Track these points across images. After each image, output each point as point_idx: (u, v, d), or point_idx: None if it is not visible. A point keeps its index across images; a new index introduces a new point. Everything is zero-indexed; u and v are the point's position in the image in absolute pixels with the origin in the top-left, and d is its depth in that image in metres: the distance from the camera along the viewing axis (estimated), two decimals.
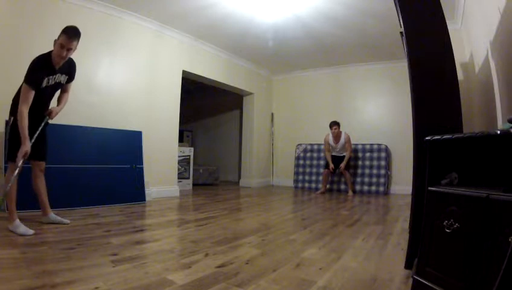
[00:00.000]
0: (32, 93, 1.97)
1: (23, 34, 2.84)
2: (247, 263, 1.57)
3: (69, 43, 2.01)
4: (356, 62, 5.48)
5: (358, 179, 5.19)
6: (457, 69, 1.52)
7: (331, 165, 4.91)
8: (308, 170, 5.71)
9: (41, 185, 2.24)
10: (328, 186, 5.23)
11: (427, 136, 1.20)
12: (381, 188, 4.97)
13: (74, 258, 1.56)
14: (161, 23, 4.01)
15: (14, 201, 2.03)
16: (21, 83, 2.04)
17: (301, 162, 5.82)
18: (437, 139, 1.14)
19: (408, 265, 1.48)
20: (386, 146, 5.11)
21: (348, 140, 4.94)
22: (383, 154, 5.08)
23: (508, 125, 0.98)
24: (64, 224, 2.26)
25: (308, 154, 5.77)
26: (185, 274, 1.40)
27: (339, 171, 4.97)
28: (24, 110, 1.94)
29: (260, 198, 4.39)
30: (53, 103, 2.26)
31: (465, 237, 0.96)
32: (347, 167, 4.91)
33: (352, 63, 5.53)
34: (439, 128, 1.33)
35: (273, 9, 3.58)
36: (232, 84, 5.39)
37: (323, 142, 5.34)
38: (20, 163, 1.92)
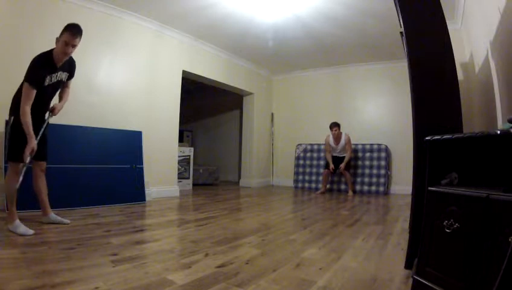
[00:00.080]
0: (34, 92, 1.97)
1: (23, 34, 2.84)
2: (247, 263, 1.57)
3: (73, 39, 2.03)
4: (356, 62, 5.48)
5: (358, 179, 5.19)
6: (457, 69, 1.52)
7: (331, 166, 4.91)
8: (308, 170, 5.71)
9: (42, 185, 2.24)
10: (328, 186, 5.23)
11: (427, 136, 1.20)
12: (381, 188, 4.97)
13: (74, 258, 1.56)
14: (161, 23, 4.01)
15: (15, 201, 2.03)
16: (21, 82, 2.04)
17: (301, 162, 5.82)
18: (437, 139, 1.14)
19: (408, 265, 1.48)
20: (386, 146, 5.11)
21: (348, 141, 4.94)
22: (383, 154, 5.09)
23: (508, 125, 0.98)
24: (65, 224, 2.26)
25: (308, 154, 5.77)
26: (185, 274, 1.40)
27: (339, 172, 4.98)
28: (27, 109, 1.94)
29: (260, 198, 4.39)
30: (53, 101, 2.27)
31: (465, 237, 0.96)
32: (347, 167, 4.91)
33: (352, 63, 5.53)
34: (439, 128, 1.33)
35: (273, 9, 3.58)
36: (232, 84, 5.39)
37: (323, 142, 5.36)
38: (27, 160, 1.93)
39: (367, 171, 5.15)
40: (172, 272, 1.43)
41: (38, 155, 2.14)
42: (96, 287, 1.21)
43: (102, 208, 2.98)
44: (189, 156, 5.27)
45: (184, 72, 4.44)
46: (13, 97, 2.09)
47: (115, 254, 1.64)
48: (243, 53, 5.26)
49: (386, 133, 5.18)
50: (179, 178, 4.62)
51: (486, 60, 2.27)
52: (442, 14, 1.53)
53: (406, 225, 2.50)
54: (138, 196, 3.45)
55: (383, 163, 5.05)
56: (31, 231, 1.96)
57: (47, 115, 2.21)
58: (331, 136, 5.06)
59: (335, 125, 4.94)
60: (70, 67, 2.22)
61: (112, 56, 3.57)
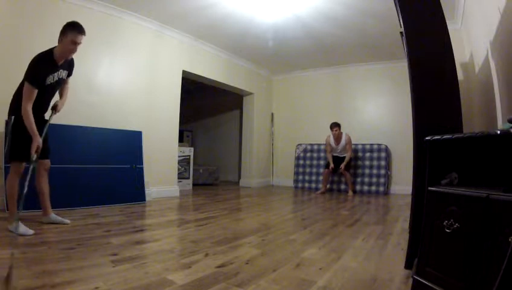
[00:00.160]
0: (35, 92, 1.97)
1: (23, 34, 2.84)
2: (247, 263, 1.57)
3: (80, 38, 2.06)
4: (356, 62, 5.48)
5: (358, 179, 5.19)
6: (457, 69, 1.52)
7: (332, 165, 4.92)
8: (308, 170, 5.71)
9: (44, 184, 2.24)
10: (328, 186, 5.23)
11: (427, 136, 1.20)
12: (381, 188, 4.97)
13: (74, 258, 1.56)
14: (161, 23, 4.01)
15: (15, 201, 2.03)
16: (20, 82, 2.04)
17: (301, 162, 5.82)
18: (437, 139, 1.14)
19: (408, 265, 1.48)
20: (386, 146, 5.11)
21: (348, 141, 4.94)
22: (383, 154, 5.09)
23: (508, 125, 0.98)
24: (65, 224, 2.26)
25: (308, 154, 5.77)
26: (185, 274, 1.40)
27: (339, 172, 4.98)
28: (28, 108, 1.94)
29: (260, 198, 4.39)
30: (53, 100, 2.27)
31: (465, 237, 0.96)
32: (347, 167, 4.91)
33: (352, 63, 5.53)
34: (439, 128, 1.33)
35: (273, 9, 3.58)
36: (232, 84, 5.39)
37: (323, 142, 5.37)
38: (34, 158, 1.93)
39: (367, 171, 5.15)
40: (172, 272, 1.43)
41: (42, 154, 2.14)
42: (96, 287, 1.21)
43: (102, 208, 2.99)
44: (189, 156, 5.27)
45: (184, 72, 4.44)
46: (13, 97, 2.09)
47: (115, 254, 1.64)
48: (243, 53, 5.26)
49: (386, 133, 5.18)
50: (179, 178, 4.62)
51: (486, 60, 2.27)
52: (442, 14, 1.53)
53: (406, 225, 2.50)
54: (138, 196, 3.45)
55: (383, 163, 5.05)
56: (31, 231, 1.96)
57: (50, 113, 2.21)
58: (331, 136, 5.06)
59: (335, 126, 4.94)
60: (69, 65, 2.23)
61: (112, 56, 3.57)
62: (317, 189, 5.43)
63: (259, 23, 3.96)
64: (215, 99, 7.33)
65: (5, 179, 2.15)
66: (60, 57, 2.07)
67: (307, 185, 5.66)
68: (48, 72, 2.03)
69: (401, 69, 4.20)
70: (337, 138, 5.00)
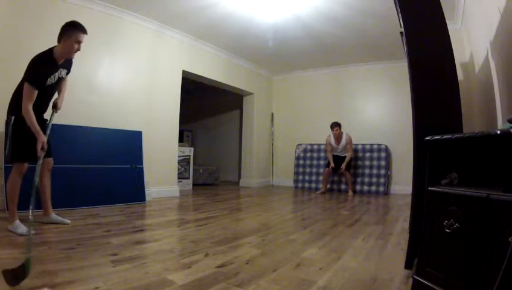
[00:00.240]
0: (36, 93, 1.96)
1: (23, 34, 2.84)
2: (247, 263, 1.57)
3: (83, 37, 2.08)
4: (356, 62, 5.48)
5: (358, 179, 5.19)
6: (457, 69, 1.52)
7: (332, 164, 4.92)
8: (308, 170, 5.71)
9: (47, 184, 2.24)
10: (328, 186, 5.23)
11: (427, 136, 1.20)
12: (381, 188, 4.97)
13: (74, 258, 1.56)
14: (161, 23, 4.01)
15: (16, 201, 2.03)
16: (19, 82, 2.03)
17: (301, 162, 5.82)
18: (437, 139, 1.14)
19: (408, 265, 1.48)
20: (386, 146, 5.11)
21: (349, 141, 4.95)
22: (383, 154, 5.09)
23: (508, 125, 0.98)
24: (65, 224, 2.26)
25: (308, 154, 5.77)
26: (185, 274, 1.40)
27: (340, 172, 4.98)
28: (29, 108, 1.94)
29: (260, 198, 4.39)
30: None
31: (465, 237, 0.96)
32: (348, 167, 4.91)
33: (352, 63, 5.53)
34: (439, 128, 1.33)
35: (273, 9, 3.58)
36: (232, 84, 5.39)
37: (323, 142, 5.37)
38: (42, 156, 1.94)
39: (367, 171, 5.15)
40: (172, 272, 1.43)
41: (46, 152, 2.14)
42: (96, 287, 1.21)
43: (102, 208, 2.99)
44: (189, 156, 5.27)
45: (184, 72, 4.44)
46: (12, 96, 2.08)
47: (115, 254, 1.64)
48: (243, 53, 5.26)
49: (386, 133, 5.18)
50: (179, 178, 4.62)
51: (486, 60, 2.27)
52: (442, 14, 1.53)
53: (406, 225, 2.50)
54: (138, 196, 3.45)
55: (383, 163, 5.05)
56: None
57: (50, 112, 2.21)
58: (332, 136, 5.06)
59: (336, 125, 4.95)
60: (68, 63, 2.22)
61: (112, 56, 3.58)
62: (317, 189, 5.43)
63: (259, 23, 3.96)
64: (215, 99, 7.34)
65: (5, 179, 2.15)
66: (61, 56, 2.07)
67: (307, 185, 5.66)
68: (48, 72, 2.03)
69: (401, 69, 4.20)
70: (338, 138, 5.00)
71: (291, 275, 1.43)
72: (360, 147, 5.26)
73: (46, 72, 2.02)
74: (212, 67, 4.93)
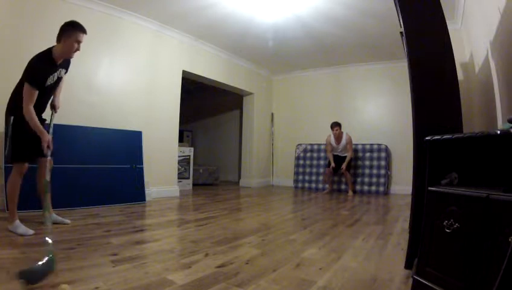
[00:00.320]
0: (36, 93, 1.96)
1: (23, 34, 2.84)
2: (247, 263, 1.57)
3: (82, 36, 2.07)
4: (356, 62, 5.48)
5: (359, 179, 5.19)
6: (457, 69, 1.52)
7: (332, 164, 4.92)
8: (308, 170, 5.71)
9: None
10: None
11: (427, 136, 1.20)
12: (381, 188, 4.97)
13: (74, 258, 1.56)
14: (161, 23, 4.01)
15: (16, 201, 2.03)
16: (18, 82, 2.03)
17: (301, 162, 5.82)
18: (437, 139, 1.14)
19: (408, 265, 1.48)
20: (386, 146, 5.11)
21: (349, 141, 4.95)
22: (383, 154, 5.09)
23: (508, 125, 0.98)
24: (65, 224, 2.26)
25: (308, 154, 5.77)
26: (185, 274, 1.40)
27: (340, 172, 4.98)
28: (31, 109, 1.93)
29: (260, 198, 4.39)
30: None
31: (465, 237, 0.96)
32: (348, 167, 4.91)
33: (352, 63, 5.53)
34: (439, 128, 1.33)
35: (273, 9, 3.58)
36: (232, 84, 5.39)
37: (323, 142, 5.37)
38: (49, 154, 1.94)
39: (367, 171, 5.15)
40: (172, 272, 1.43)
41: (43, 152, 2.13)
42: (96, 287, 1.21)
43: (102, 208, 2.98)
44: (189, 156, 5.27)
45: (184, 72, 4.44)
46: (10, 97, 2.06)
47: (115, 254, 1.64)
48: (243, 53, 5.26)
49: (386, 133, 5.18)
50: (179, 178, 4.62)
51: (486, 60, 2.27)
52: (442, 14, 1.53)
53: (406, 225, 2.50)
54: (138, 196, 3.45)
55: (383, 163, 5.05)
56: (31, 231, 1.95)
57: (49, 113, 2.21)
58: (332, 136, 5.06)
59: (336, 125, 4.95)
60: (67, 63, 2.21)
61: (112, 56, 3.57)
62: (317, 189, 5.44)
63: (259, 23, 3.96)
64: (215, 99, 7.34)
65: (5, 179, 2.14)
66: (60, 56, 2.06)
67: (307, 185, 5.66)
68: (47, 72, 2.02)
69: (401, 69, 4.20)
70: (338, 138, 5.00)
71: (291, 275, 1.43)
72: (360, 147, 5.26)
73: (45, 72, 2.01)
74: (212, 67, 4.93)
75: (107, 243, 1.85)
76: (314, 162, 5.67)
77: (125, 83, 3.70)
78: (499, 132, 0.91)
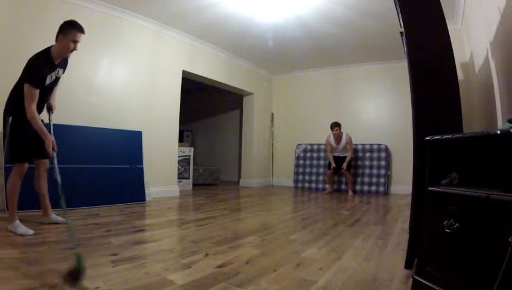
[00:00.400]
0: (38, 92, 1.96)
1: (23, 34, 2.84)
2: (247, 263, 1.57)
3: (79, 36, 2.05)
4: (356, 62, 5.48)
5: (358, 179, 5.19)
6: (457, 69, 1.52)
7: (333, 165, 4.93)
8: (308, 170, 5.71)
9: (44, 185, 2.23)
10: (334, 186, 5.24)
11: (427, 136, 1.20)
12: (381, 188, 4.97)
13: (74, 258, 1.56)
14: (161, 23, 4.01)
15: (16, 202, 2.03)
16: (16, 82, 2.02)
17: (301, 162, 5.82)
18: (437, 139, 1.14)
19: (408, 265, 1.48)
20: (386, 146, 5.11)
21: (349, 141, 4.95)
22: (383, 154, 5.09)
23: (508, 125, 0.98)
24: (65, 224, 2.25)
25: (308, 154, 5.77)
26: (185, 274, 1.40)
27: (341, 172, 4.98)
28: (33, 109, 1.93)
29: (260, 198, 4.39)
30: None
31: (465, 237, 0.96)
32: (348, 167, 4.91)
33: (352, 63, 5.53)
34: (439, 128, 1.33)
35: (273, 9, 3.58)
36: (232, 84, 5.39)
37: (323, 142, 5.37)
38: (53, 155, 1.95)
39: (367, 171, 5.15)
40: (172, 272, 1.43)
41: (41, 153, 2.13)
42: (96, 287, 1.21)
43: (102, 208, 2.98)
44: (189, 156, 5.27)
45: (184, 72, 4.44)
46: (8, 98, 2.06)
47: (115, 254, 1.64)
48: (243, 53, 5.26)
49: (386, 133, 5.18)
50: (179, 178, 4.62)
51: (486, 60, 2.27)
52: (442, 14, 1.53)
53: (406, 225, 2.50)
54: (138, 196, 3.45)
55: (383, 163, 5.05)
56: (31, 231, 1.96)
57: (48, 114, 2.21)
58: (331, 136, 5.06)
59: (336, 125, 4.95)
60: (64, 62, 2.21)
61: (112, 56, 3.57)
62: (317, 189, 5.44)
63: (259, 23, 3.96)
64: (215, 99, 7.34)
65: (5, 179, 2.14)
66: (58, 56, 2.06)
67: (307, 185, 5.66)
68: (46, 72, 2.02)
69: (401, 69, 4.19)
70: (338, 138, 5.00)
71: (291, 275, 1.43)
72: (360, 147, 5.26)
73: (44, 71, 2.01)
74: (212, 67, 4.93)
75: (107, 243, 1.85)
76: (314, 162, 5.67)
77: (125, 83, 3.70)
78: (499, 132, 0.90)
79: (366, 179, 5.13)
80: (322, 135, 5.38)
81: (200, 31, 4.28)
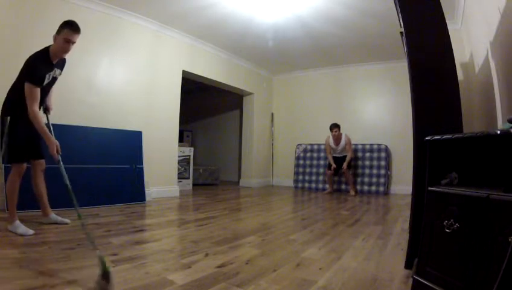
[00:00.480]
0: (39, 91, 1.95)
1: (23, 34, 2.84)
2: (247, 263, 1.57)
3: (74, 36, 2.02)
4: (356, 62, 5.48)
5: (359, 179, 5.19)
6: (457, 69, 1.52)
7: (333, 166, 4.93)
8: (308, 170, 5.71)
9: (41, 185, 2.23)
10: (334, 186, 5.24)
11: (427, 136, 1.20)
12: (381, 188, 4.97)
13: (74, 258, 1.56)
14: (161, 23, 4.00)
15: (15, 202, 2.03)
16: (14, 81, 2.02)
17: (301, 162, 5.82)
18: (437, 139, 1.14)
19: (408, 265, 1.48)
20: (386, 146, 5.11)
21: (348, 142, 4.95)
22: (383, 154, 5.09)
23: (508, 125, 0.98)
24: (65, 224, 2.26)
25: (308, 154, 5.77)
26: (185, 274, 1.40)
27: (341, 172, 4.98)
28: (36, 110, 1.93)
29: (260, 198, 4.39)
30: None
31: (465, 237, 0.96)
32: (349, 167, 4.91)
33: (352, 63, 5.53)
34: (439, 128, 1.33)
35: (273, 9, 3.58)
36: (232, 84, 5.39)
37: (323, 142, 5.38)
38: (58, 158, 1.94)
39: (367, 171, 5.15)
40: (173, 272, 1.43)
41: (37, 154, 2.13)
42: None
43: (102, 208, 2.99)
44: (189, 156, 5.27)
45: (184, 72, 4.44)
46: (6, 97, 2.05)
47: (115, 254, 1.64)
48: (243, 53, 5.26)
49: (386, 133, 5.18)
50: (179, 178, 4.62)
51: (486, 60, 2.27)
52: (442, 14, 1.53)
53: (406, 225, 2.50)
54: (138, 196, 3.45)
55: (383, 163, 5.05)
56: (31, 231, 1.96)
57: (46, 115, 2.20)
58: (331, 138, 5.07)
59: (335, 127, 4.95)
60: (62, 63, 2.20)
61: (112, 56, 3.57)
62: (317, 189, 5.44)
63: (259, 23, 3.96)
64: (215, 99, 7.33)
65: (5, 179, 2.14)
66: (54, 55, 2.05)
67: (307, 185, 5.66)
68: (44, 71, 2.01)
69: (401, 69, 4.19)
70: (337, 139, 5.00)
71: (291, 275, 1.43)
72: (360, 147, 5.26)
73: (43, 70, 2.00)
74: (212, 67, 4.93)
75: (107, 243, 1.85)
76: (314, 162, 5.67)
77: (125, 83, 3.69)
78: (499, 132, 0.90)
79: (366, 179, 5.13)
80: (322, 135, 5.38)
81: (200, 31, 4.28)
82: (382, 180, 5.00)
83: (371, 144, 5.20)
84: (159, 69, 4.08)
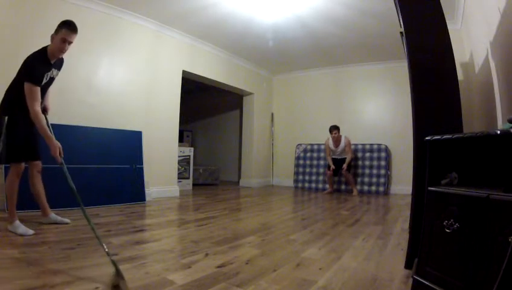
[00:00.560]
0: (39, 90, 1.95)
1: (23, 34, 2.84)
2: (247, 263, 1.57)
3: (71, 36, 2.02)
4: (356, 62, 5.48)
5: (359, 179, 5.19)
6: (457, 69, 1.52)
7: (332, 167, 4.93)
8: (308, 170, 5.71)
9: (39, 186, 2.22)
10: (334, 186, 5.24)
11: (427, 136, 1.20)
12: (381, 188, 4.97)
13: (74, 258, 1.56)
14: (161, 23, 4.00)
15: (15, 202, 2.03)
16: (12, 80, 2.02)
17: (301, 162, 5.82)
18: (437, 139, 1.14)
19: (408, 265, 1.48)
20: (386, 146, 5.11)
21: (348, 143, 4.95)
22: (383, 154, 5.09)
23: (508, 125, 0.98)
24: (65, 224, 2.26)
25: (308, 154, 5.77)
26: (185, 274, 1.40)
27: (341, 172, 4.98)
28: (37, 110, 1.92)
29: (260, 198, 4.39)
30: None
31: (465, 237, 0.96)
32: (349, 168, 4.91)
33: (352, 63, 5.53)
34: (439, 128, 1.33)
35: (273, 9, 3.58)
36: (232, 84, 5.39)
37: (323, 143, 5.38)
38: (61, 160, 1.95)
39: (367, 171, 5.16)
40: (173, 272, 1.43)
41: (34, 155, 2.13)
42: (96, 288, 1.21)
43: (102, 208, 2.98)
44: (189, 156, 5.27)
45: (184, 72, 4.44)
46: (4, 97, 2.04)
47: (115, 254, 1.64)
48: (243, 53, 5.26)
49: (386, 133, 5.18)
50: (179, 178, 4.62)
51: (486, 60, 2.27)
52: (442, 14, 1.53)
53: (406, 225, 2.50)
54: (138, 196, 3.45)
55: (383, 163, 5.05)
56: (31, 231, 1.96)
57: (44, 115, 2.20)
58: (330, 139, 5.07)
59: (335, 129, 4.96)
60: (60, 63, 2.20)
61: (112, 56, 3.57)
62: (317, 189, 5.44)
63: (259, 23, 3.96)
64: (215, 99, 7.33)
65: (5, 179, 2.14)
66: (52, 55, 2.05)
67: (307, 185, 5.66)
68: (42, 71, 2.01)
69: (401, 69, 4.19)
70: (336, 141, 5.01)
71: (291, 275, 1.43)
72: (360, 147, 5.26)
73: (42, 69, 2.00)
74: (212, 67, 4.93)
75: (107, 243, 1.84)
76: (314, 162, 5.67)
77: (125, 83, 3.69)
78: (499, 132, 0.90)
79: (366, 179, 5.13)
80: (322, 135, 5.38)
81: (200, 31, 4.28)
82: (382, 180, 5.00)
83: (371, 144, 5.20)
84: (159, 69, 4.08)
